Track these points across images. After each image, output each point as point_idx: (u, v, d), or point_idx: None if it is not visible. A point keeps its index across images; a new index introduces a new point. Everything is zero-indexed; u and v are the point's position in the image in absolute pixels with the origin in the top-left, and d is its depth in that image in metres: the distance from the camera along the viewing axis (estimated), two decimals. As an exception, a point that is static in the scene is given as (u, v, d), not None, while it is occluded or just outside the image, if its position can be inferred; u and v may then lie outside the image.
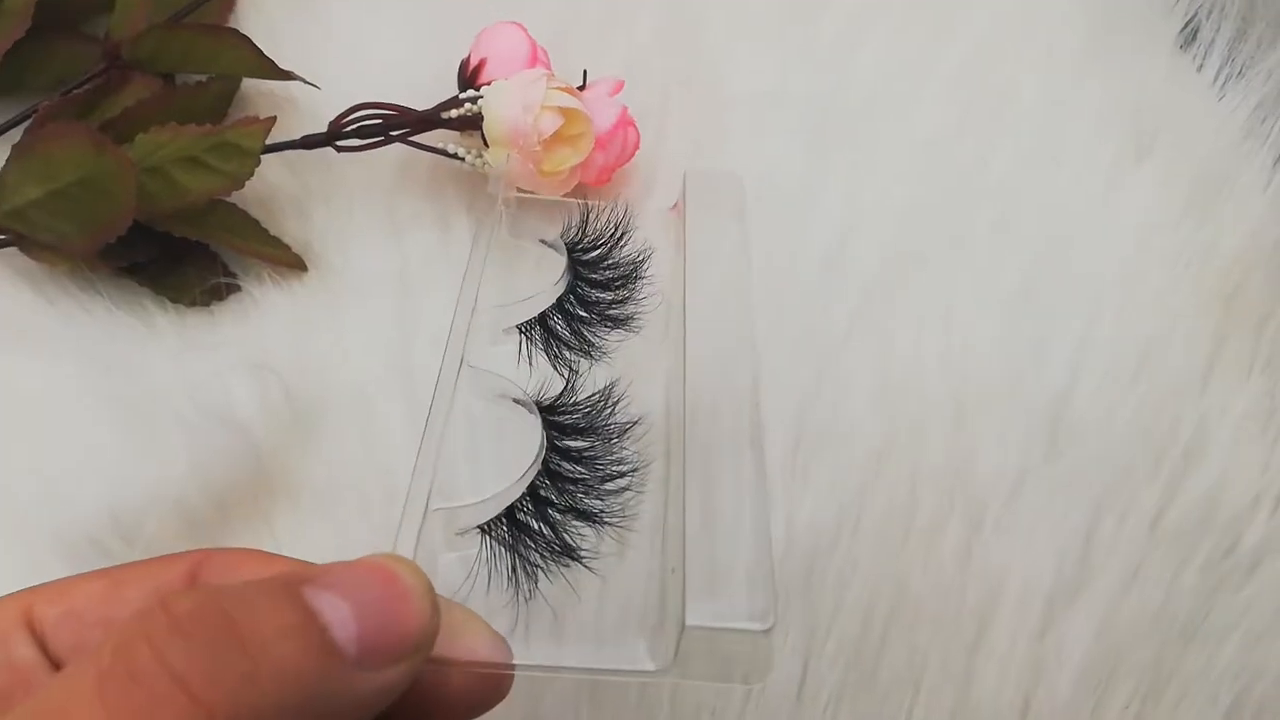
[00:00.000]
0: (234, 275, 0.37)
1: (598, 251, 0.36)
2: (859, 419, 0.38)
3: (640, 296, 0.36)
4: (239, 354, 0.36)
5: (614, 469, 0.30)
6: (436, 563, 0.27)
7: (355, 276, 0.38)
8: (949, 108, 0.44)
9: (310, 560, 0.22)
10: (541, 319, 0.35)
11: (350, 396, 0.36)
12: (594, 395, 0.31)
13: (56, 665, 0.21)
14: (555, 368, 0.34)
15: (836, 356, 0.39)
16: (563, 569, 0.28)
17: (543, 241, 0.36)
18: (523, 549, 0.28)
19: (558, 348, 0.34)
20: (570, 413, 0.31)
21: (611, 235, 0.36)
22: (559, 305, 0.35)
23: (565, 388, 0.31)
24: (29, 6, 0.36)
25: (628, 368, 0.34)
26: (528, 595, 0.27)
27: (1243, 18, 0.44)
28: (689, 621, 0.24)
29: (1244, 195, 0.42)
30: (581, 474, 0.29)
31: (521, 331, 0.34)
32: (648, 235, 0.37)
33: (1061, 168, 0.43)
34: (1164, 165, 0.43)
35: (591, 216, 0.36)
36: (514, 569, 0.27)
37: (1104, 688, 0.36)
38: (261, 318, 0.37)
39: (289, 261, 0.37)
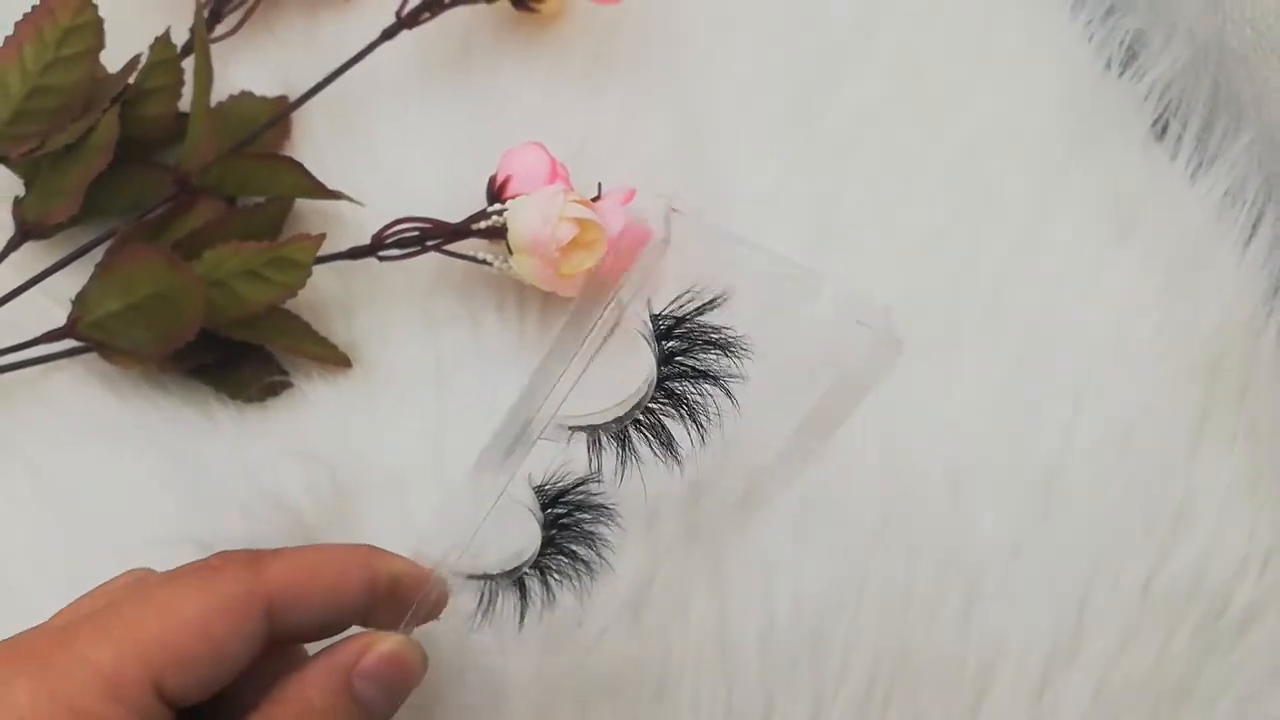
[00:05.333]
0: (286, 373, 0.41)
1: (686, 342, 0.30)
2: (860, 491, 0.40)
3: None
4: (290, 444, 0.40)
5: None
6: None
7: (395, 372, 0.41)
8: (941, 203, 0.46)
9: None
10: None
11: (389, 481, 0.40)
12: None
13: None
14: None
15: (837, 431, 0.42)
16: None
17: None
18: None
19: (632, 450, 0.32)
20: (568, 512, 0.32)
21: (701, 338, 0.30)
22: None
23: (574, 485, 0.32)
24: (111, 143, 0.39)
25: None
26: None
27: (1208, 111, 0.46)
28: None
29: (1219, 274, 0.44)
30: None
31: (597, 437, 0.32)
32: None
33: (1048, 254, 0.45)
34: (1144, 249, 0.45)
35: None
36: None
37: (1100, 747, 0.38)
38: (311, 411, 0.41)
39: (336, 360, 0.41)
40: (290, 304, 0.40)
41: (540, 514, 0.32)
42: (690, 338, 0.30)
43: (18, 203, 0.40)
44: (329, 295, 0.42)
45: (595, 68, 0.48)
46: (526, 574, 0.32)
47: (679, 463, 0.31)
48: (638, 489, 0.32)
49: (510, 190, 0.41)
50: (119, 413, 0.40)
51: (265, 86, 0.45)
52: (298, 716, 0.28)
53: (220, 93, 0.44)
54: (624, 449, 0.31)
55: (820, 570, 0.40)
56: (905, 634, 0.39)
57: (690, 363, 0.30)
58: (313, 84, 0.43)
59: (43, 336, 0.39)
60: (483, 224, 0.40)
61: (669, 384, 0.31)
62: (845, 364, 0.31)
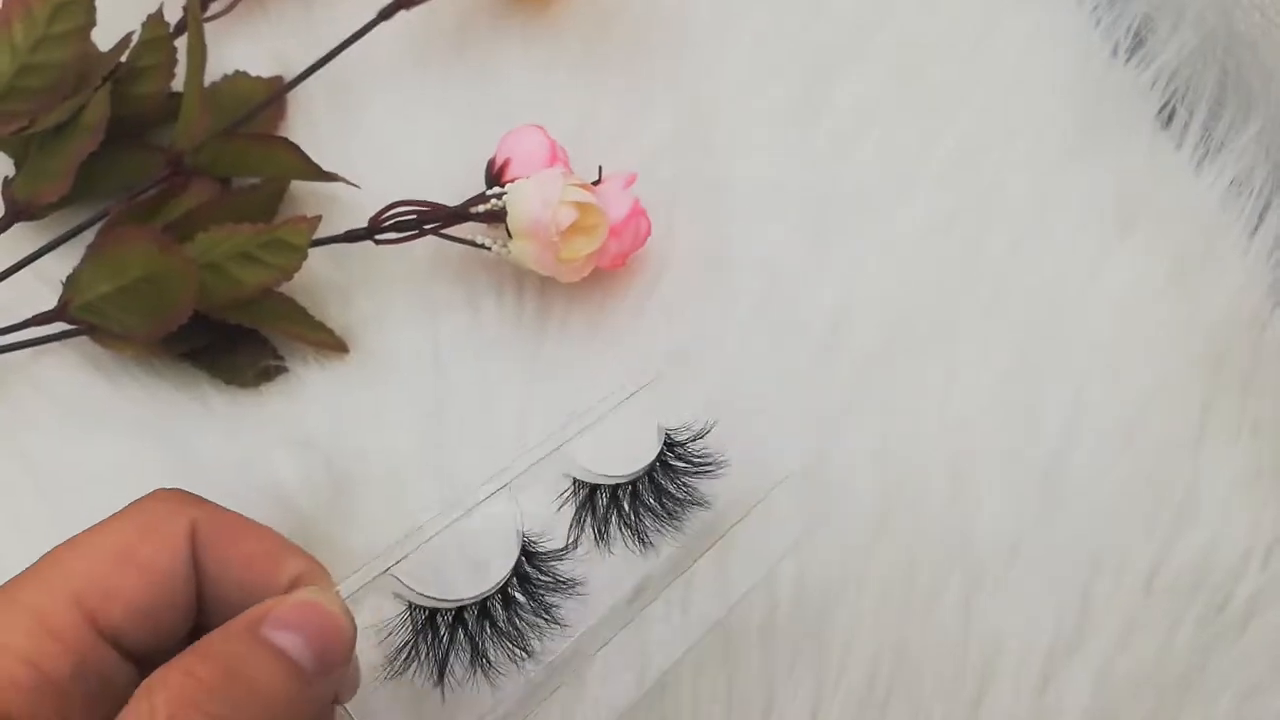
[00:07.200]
0: (281, 358, 0.40)
1: (683, 465, 0.37)
2: (861, 483, 0.40)
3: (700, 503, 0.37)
4: (286, 431, 0.39)
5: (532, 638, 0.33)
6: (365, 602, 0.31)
7: (392, 357, 0.41)
8: (942, 193, 0.46)
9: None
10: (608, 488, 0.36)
11: (385, 469, 0.39)
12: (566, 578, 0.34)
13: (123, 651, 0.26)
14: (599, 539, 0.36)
15: (839, 425, 0.41)
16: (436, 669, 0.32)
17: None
18: (425, 640, 0.32)
19: (608, 522, 0.36)
20: (536, 566, 0.33)
21: (702, 463, 0.37)
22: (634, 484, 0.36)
23: (559, 549, 0.34)
24: (102, 122, 0.39)
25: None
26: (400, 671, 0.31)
27: (1215, 100, 0.46)
28: None
29: (1224, 265, 0.44)
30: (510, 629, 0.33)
31: (576, 488, 0.36)
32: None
33: (1052, 244, 0.45)
34: (1148, 239, 0.45)
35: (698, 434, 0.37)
36: (412, 648, 0.32)
37: (1102, 741, 0.38)
38: (306, 397, 0.40)
39: (332, 345, 0.40)
40: (285, 288, 0.39)
41: (517, 553, 0.33)
42: (686, 457, 0.37)
43: (7, 183, 0.40)
44: (325, 279, 0.42)
45: (594, 53, 0.47)
46: (467, 619, 0.32)
47: (650, 548, 0.37)
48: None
49: (509, 173, 0.40)
50: (111, 397, 0.40)
51: (260, 67, 0.44)
52: (220, 670, 0.24)
53: (214, 73, 0.43)
54: (603, 533, 0.36)
55: (822, 560, 0.39)
56: (907, 626, 0.39)
57: (682, 479, 0.37)
58: (308, 64, 0.42)
59: (33, 319, 0.38)
60: (482, 207, 0.40)
61: (661, 483, 0.37)
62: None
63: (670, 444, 0.37)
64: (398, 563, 0.30)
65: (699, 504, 0.37)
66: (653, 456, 0.36)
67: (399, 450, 0.39)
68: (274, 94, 0.43)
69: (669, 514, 0.37)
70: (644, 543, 0.36)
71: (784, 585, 0.39)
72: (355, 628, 0.27)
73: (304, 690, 0.25)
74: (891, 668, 0.38)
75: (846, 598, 0.39)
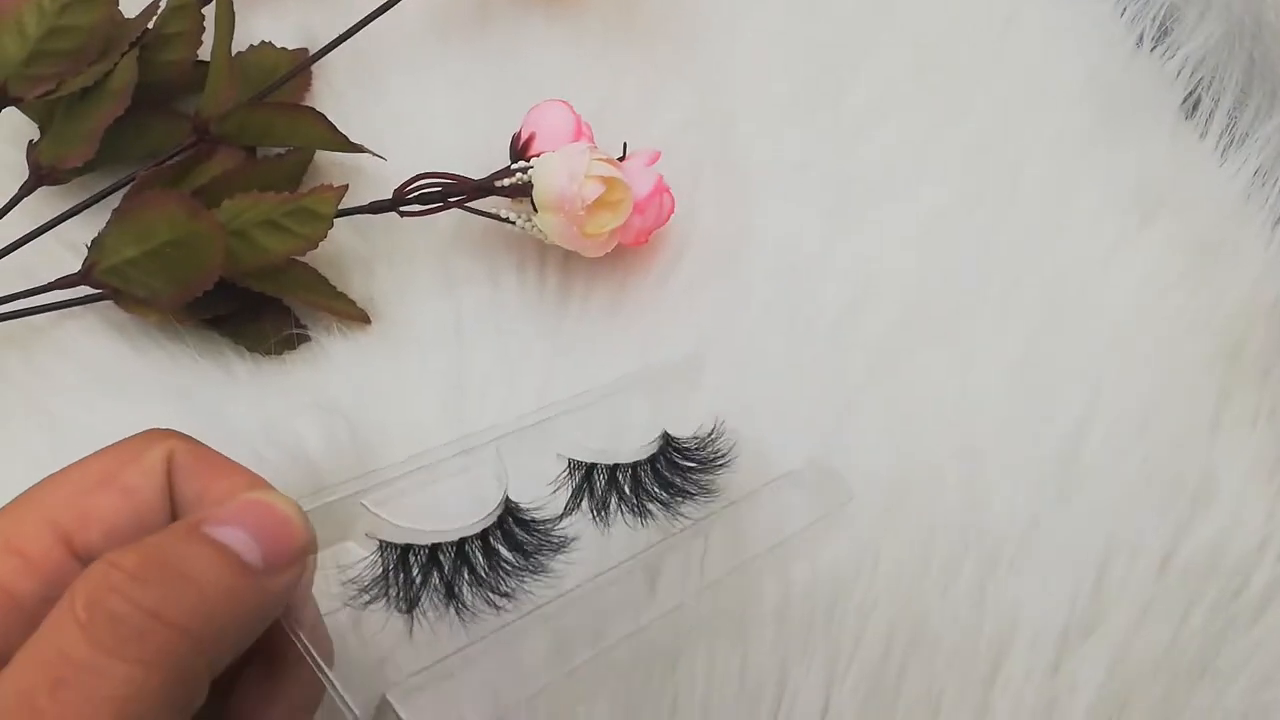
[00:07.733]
0: (305, 327, 0.41)
1: (690, 464, 0.37)
2: (876, 465, 0.40)
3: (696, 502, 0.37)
4: (309, 398, 0.39)
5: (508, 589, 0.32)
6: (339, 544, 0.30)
7: (414, 328, 0.41)
8: (963, 179, 0.46)
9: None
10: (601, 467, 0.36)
11: (407, 437, 0.39)
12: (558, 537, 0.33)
13: None
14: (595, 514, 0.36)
15: (854, 405, 0.41)
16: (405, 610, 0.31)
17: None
18: (396, 579, 0.31)
19: (604, 499, 0.36)
20: (525, 530, 0.33)
21: (710, 459, 0.37)
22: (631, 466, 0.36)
23: (553, 518, 0.34)
24: (128, 87, 0.39)
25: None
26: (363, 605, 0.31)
27: (1241, 89, 0.46)
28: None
29: (1245, 255, 0.44)
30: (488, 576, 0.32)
31: (571, 469, 0.36)
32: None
33: (1071, 232, 0.45)
34: (1169, 228, 0.45)
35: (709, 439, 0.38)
36: (384, 587, 0.31)
37: (1115, 722, 0.38)
38: (329, 365, 0.40)
39: (355, 315, 0.41)
40: (309, 257, 0.39)
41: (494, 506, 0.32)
42: (692, 456, 0.37)
43: (32, 146, 0.40)
44: (349, 249, 0.42)
45: (616, 32, 0.47)
46: (442, 561, 0.31)
47: (649, 522, 0.36)
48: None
49: (534, 148, 0.40)
50: (134, 363, 0.40)
51: (285, 39, 0.44)
52: (148, 560, 0.23)
53: (239, 44, 0.43)
54: (601, 513, 0.36)
55: (834, 543, 0.39)
56: (921, 605, 0.39)
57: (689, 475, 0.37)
58: (333, 37, 0.42)
59: (57, 282, 0.38)
60: (506, 181, 0.40)
61: (666, 475, 0.37)
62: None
63: (676, 447, 0.37)
64: (366, 490, 0.30)
65: (705, 494, 0.37)
66: (652, 439, 0.36)
67: (420, 422, 0.39)
68: (299, 65, 0.42)
69: (672, 501, 0.37)
70: (644, 520, 0.36)
71: (797, 564, 0.39)
72: (310, 529, 0.26)
73: (249, 584, 0.24)
74: (905, 645, 0.38)
75: (861, 576, 0.39)
